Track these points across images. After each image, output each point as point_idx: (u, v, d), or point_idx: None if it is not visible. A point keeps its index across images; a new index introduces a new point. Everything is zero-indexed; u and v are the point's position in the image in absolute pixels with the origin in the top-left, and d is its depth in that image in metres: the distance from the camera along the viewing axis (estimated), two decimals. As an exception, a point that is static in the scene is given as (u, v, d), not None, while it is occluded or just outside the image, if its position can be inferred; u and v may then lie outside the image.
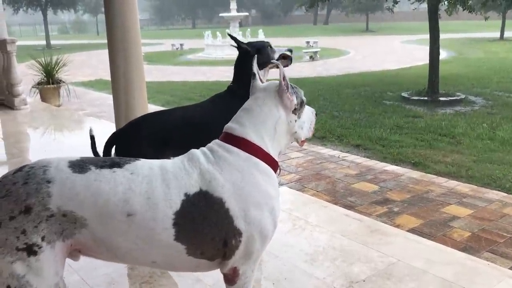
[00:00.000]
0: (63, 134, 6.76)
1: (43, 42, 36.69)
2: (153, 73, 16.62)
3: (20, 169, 1.56)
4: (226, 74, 16.03)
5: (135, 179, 1.59)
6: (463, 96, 10.13)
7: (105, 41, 4.45)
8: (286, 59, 2.79)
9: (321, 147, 6.63)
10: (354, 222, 3.40)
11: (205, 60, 22.28)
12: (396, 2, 11.25)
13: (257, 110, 1.80)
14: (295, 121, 1.85)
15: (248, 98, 2.69)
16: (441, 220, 4.01)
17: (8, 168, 5.10)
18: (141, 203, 1.56)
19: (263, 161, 1.75)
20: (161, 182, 1.61)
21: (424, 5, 10.25)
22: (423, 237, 3.47)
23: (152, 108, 9.35)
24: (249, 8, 63.12)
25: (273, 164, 1.79)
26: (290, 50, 2.82)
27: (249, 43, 2.87)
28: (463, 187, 4.83)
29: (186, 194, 1.61)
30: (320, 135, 7.36)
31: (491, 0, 8.11)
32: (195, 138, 2.70)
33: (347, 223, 3.37)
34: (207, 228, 1.62)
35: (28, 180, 1.50)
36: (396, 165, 5.73)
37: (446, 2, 8.49)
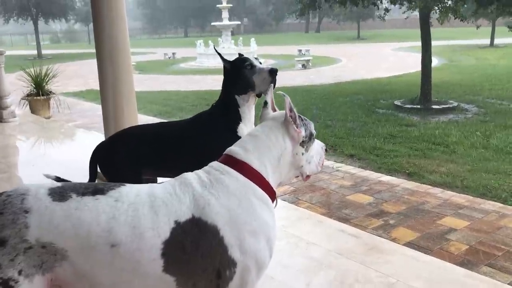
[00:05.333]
0: (52, 148, 6.64)
1: (35, 52, 36.53)
2: (145, 83, 16.52)
3: None
4: (219, 83, 15.82)
5: (119, 207, 1.49)
6: (455, 104, 10.13)
7: (97, 50, 4.37)
8: (273, 74, 2.53)
9: (315, 157, 6.56)
10: (351, 239, 3.31)
11: (198, 69, 22.23)
12: (388, 11, 11.24)
13: (263, 137, 1.73)
14: (302, 154, 1.78)
15: (227, 118, 2.63)
16: (438, 233, 3.95)
17: (-5, 183, 4.98)
18: (126, 233, 1.46)
19: (262, 189, 1.67)
20: (149, 209, 1.51)
21: (416, 13, 10.28)
22: (421, 251, 3.40)
23: (143, 118, 9.29)
24: (241, 17, 63.27)
25: (272, 194, 1.71)
26: (275, 70, 2.55)
27: (234, 60, 2.73)
28: (459, 198, 4.78)
29: (176, 222, 1.51)
30: (314, 145, 7.29)
31: (482, 9, 8.15)
32: (170, 157, 2.63)
33: (343, 240, 3.29)
34: (199, 258, 1.53)
35: (4, 210, 1.41)
36: (391, 176, 5.67)
37: (437, 11, 8.50)
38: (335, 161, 6.32)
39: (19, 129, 7.62)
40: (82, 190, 1.51)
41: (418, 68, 11.02)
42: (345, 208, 4.57)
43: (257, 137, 1.74)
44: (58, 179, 2.45)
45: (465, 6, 8.85)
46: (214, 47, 3.19)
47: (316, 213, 4.24)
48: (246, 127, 2.64)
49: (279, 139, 1.73)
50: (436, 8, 8.49)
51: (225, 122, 2.62)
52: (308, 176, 1.86)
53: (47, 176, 2.46)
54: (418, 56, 11.08)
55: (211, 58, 24.15)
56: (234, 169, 1.65)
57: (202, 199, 1.56)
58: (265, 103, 1.87)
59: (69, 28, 69.46)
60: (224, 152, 1.75)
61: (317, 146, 1.87)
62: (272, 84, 2.10)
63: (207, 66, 22.92)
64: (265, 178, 1.68)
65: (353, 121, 8.96)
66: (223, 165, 1.68)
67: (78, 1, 41.88)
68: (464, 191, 5.09)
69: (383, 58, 24.04)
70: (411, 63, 19.17)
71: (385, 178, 5.52)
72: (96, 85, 14.51)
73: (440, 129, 8.01)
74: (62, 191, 1.50)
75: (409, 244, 3.70)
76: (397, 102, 10.44)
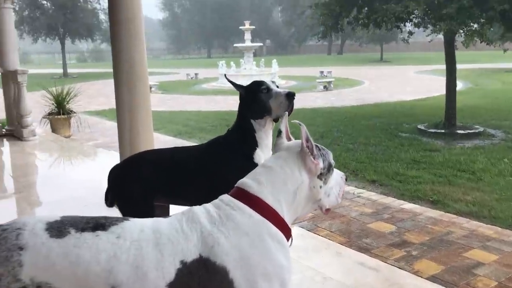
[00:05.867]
0: (69, 167, 6.61)
1: (61, 71, 37.39)
2: (167, 103, 16.63)
3: None
4: (239, 104, 15.97)
5: (121, 245, 1.38)
6: (481, 129, 9.84)
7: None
8: (290, 98, 2.42)
9: (335, 182, 6.38)
10: (370, 272, 3.14)
11: (219, 89, 22.33)
12: (412, 34, 11.11)
13: (278, 170, 1.59)
14: (320, 187, 1.63)
15: (243, 144, 2.51)
16: (464, 267, 3.73)
17: (10, 204, 4.95)
18: (127, 273, 1.34)
19: (276, 227, 1.52)
20: (153, 247, 1.39)
21: (440, 36, 10.13)
22: (445, 286, 3.20)
23: (162, 139, 9.27)
24: (264, 38, 63.78)
25: (286, 232, 1.56)
26: (292, 94, 2.44)
27: (247, 86, 2.59)
28: (486, 229, 4.54)
29: (182, 262, 1.39)
30: (334, 169, 7.12)
31: (510, 32, 7.96)
32: (185, 183, 2.53)
33: (363, 274, 3.12)
34: None
35: None
36: (414, 203, 5.46)
37: (463, 34, 8.34)
38: (356, 187, 6.14)
39: (39, 148, 7.66)
40: (82, 225, 1.41)
41: (442, 91, 10.74)
42: (365, 237, 4.39)
43: (271, 169, 1.60)
44: None
45: (492, 29, 8.65)
46: (226, 75, 3.07)
47: (335, 241, 4.08)
48: (263, 153, 2.52)
49: (294, 172, 1.59)
50: (461, 31, 8.34)
51: (241, 147, 2.51)
52: (328, 210, 1.71)
53: None
54: (442, 80, 10.87)
55: (232, 78, 24.08)
56: (247, 204, 1.52)
57: (211, 237, 1.43)
58: (279, 132, 1.74)
59: (95, 47, 70.91)
60: (236, 185, 1.62)
61: (337, 176, 1.73)
62: (286, 112, 1.97)
63: (229, 86, 22.97)
64: (279, 215, 1.54)
65: (375, 145, 8.77)
66: (234, 199, 1.54)
67: (105, 22, 42.82)
68: (492, 221, 4.85)
69: (406, 81, 23.79)
70: (435, 87, 18.90)
71: (408, 205, 5.32)
72: (118, 104, 14.71)
73: (466, 155, 7.75)
74: (61, 226, 1.40)
75: (433, 278, 3.49)
76: (420, 126, 10.20)
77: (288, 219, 1.58)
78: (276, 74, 24.66)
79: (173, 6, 74.92)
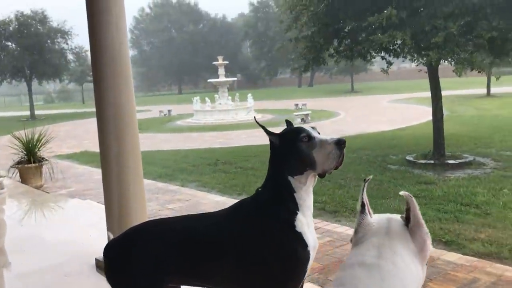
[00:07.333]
0: (45, 226, 5.77)
1: (28, 113, 36.35)
2: (142, 142, 15.76)
3: None
4: (218, 140, 15.55)
5: None
6: (471, 158, 9.62)
7: (91, 109, 3.87)
8: (341, 147, 1.99)
9: (336, 224, 5.92)
10: None
11: (195, 126, 21.92)
12: (391, 64, 10.94)
13: (389, 267, 1.09)
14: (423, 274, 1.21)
15: (279, 208, 1.97)
16: (505, 322, 3.29)
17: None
18: None
19: None
20: None
21: (404, 64, 10.01)
22: None
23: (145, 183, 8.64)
24: (234, 73, 64.08)
25: None
26: (342, 142, 2.00)
27: (282, 133, 2.08)
28: (513, 273, 4.13)
29: None
30: (331, 209, 6.67)
31: (499, 59, 7.85)
32: (205, 260, 1.97)
33: None
34: None
35: None
36: (426, 245, 5.03)
37: (453, 63, 8.19)
38: (359, 229, 5.68)
39: (8, 204, 6.91)
40: None
41: (421, 120, 10.61)
42: (385, 291, 3.90)
43: (379, 268, 1.10)
44: None
45: (480, 57, 8.53)
46: (255, 118, 2.47)
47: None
48: (305, 218, 1.99)
49: (410, 265, 1.11)
50: (450, 59, 8.19)
51: (278, 212, 1.97)
52: None
53: None
54: (417, 108, 10.80)
55: (208, 114, 23.98)
56: None
57: None
58: (363, 205, 1.26)
59: (63, 87, 69.86)
60: None
61: None
62: (371, 176, 1.46)
63: (204, 122, 22.69)
64: None
65: (367, 180, 8.38)
66: None
67: (72, 62, 42.21)
68: (516, 263, 4.46)
69: (381, 110, 23.84)
70: (412, 115, 18.92)
71: (421, 248, 4.88)
72: (90, 146, 14.03)
73: (464, 187, 7.43)
74: None
75: None
76: (409, 158, 9.92)
77: None
78: (252, 108, 24.43)
79: (141, 44, 75.07)
